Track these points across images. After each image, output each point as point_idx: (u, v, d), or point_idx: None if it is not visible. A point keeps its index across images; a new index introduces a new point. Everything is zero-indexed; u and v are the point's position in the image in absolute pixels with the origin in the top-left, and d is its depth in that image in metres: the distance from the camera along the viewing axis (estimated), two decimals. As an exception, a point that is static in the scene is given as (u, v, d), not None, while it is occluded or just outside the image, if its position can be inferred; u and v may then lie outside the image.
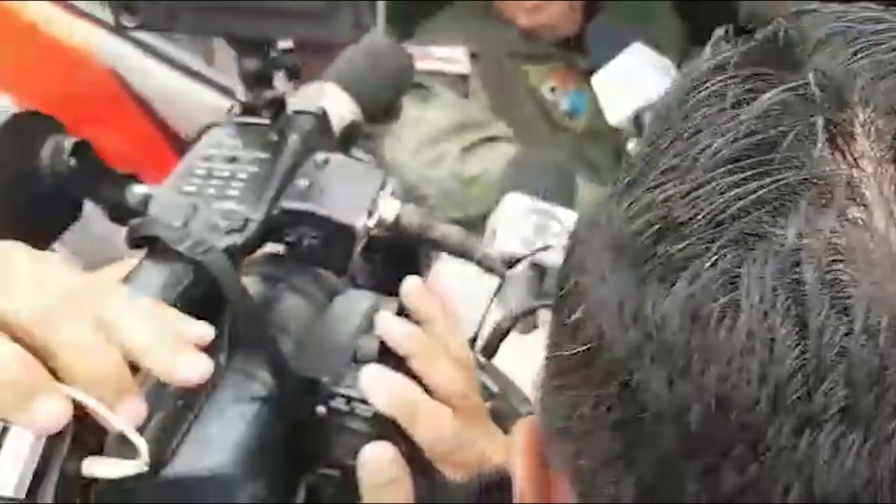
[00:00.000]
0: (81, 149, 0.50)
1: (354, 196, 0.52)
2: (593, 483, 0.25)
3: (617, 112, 1.07)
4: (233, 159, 0.53)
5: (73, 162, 0.49)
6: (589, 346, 0.25)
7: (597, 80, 1.10)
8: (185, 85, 1.44)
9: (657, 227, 0.24)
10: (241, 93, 0.56)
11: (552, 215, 0.88)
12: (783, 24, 0.26)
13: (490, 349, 0.61)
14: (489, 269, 0.55)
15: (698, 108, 0.25)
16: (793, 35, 0.26)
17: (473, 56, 1.23)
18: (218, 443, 0.47)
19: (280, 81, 0.56)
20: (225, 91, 1.41)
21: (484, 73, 1.25)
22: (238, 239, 0.48)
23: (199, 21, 0.50)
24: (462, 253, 0.55)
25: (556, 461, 0.29)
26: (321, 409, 0.50)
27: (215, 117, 1.51)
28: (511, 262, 0.60)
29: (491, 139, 1.14)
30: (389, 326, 0.50)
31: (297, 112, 0.57)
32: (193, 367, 0.38)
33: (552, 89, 1.30)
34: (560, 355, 0.28)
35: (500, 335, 0.60)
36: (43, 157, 0.49)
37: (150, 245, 0.48)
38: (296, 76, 0.55)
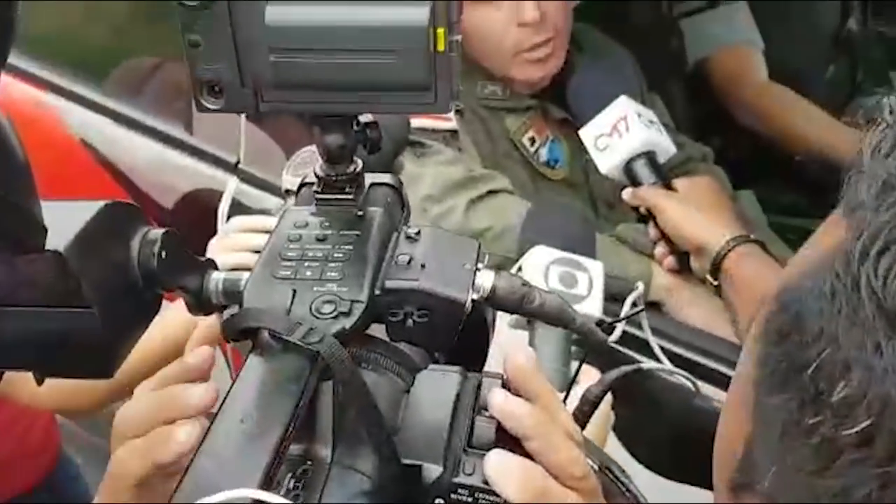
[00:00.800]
0: (170, 240, 0.47)
1: (455, 269, 0.50)
2: None
3: (607, 163, 1.09)
4: (323, 239, 0.50)
5: (163, 254, 0.46)
6: (868, 423, 0.24)
7: (585, 133, 1.12)
8: (166, 154, 1.40)
9: None
10: (318, 167, 0.53)
11: (578, 265, 0.88)
12: None
13: (583, 420, 0.59)
14: (588, 336, 0.54)
15: None
16: None
17: (457, 112, 1.23)
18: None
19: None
20: (207, 158, 1.38)
21: (469, 127, 1.25)
22: (347, 323, 0.46)
23: (286, 100, 0.48)
24: (561, 321, 0.53)
25: None
26: (440, 503, 0.47)
27: (199, 185, 1.47)
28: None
29: (493, 192, 1.14)
30: (508, 407, 0.48)
31: (375, 184, 0.55)
32: None
33: (531, 140, 1.31)
34: (819, 440, 0.26)
35: (592, 405, 0.59)
36: (133, 250, 0.45)
37: (253, 336, 0.45)
38: (377, 149, 0.53)
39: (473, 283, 0.50)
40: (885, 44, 1.89)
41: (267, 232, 0.93)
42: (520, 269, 0.89)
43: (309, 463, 0.46)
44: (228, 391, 0.42)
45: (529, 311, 0.52)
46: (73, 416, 1.57)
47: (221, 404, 0.41)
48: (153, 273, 0.46)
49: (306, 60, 0.45)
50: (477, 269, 0.51)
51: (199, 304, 0.50)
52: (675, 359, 0.98)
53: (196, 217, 1.35)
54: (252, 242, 0.95)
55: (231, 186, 1.31)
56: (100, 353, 0.43)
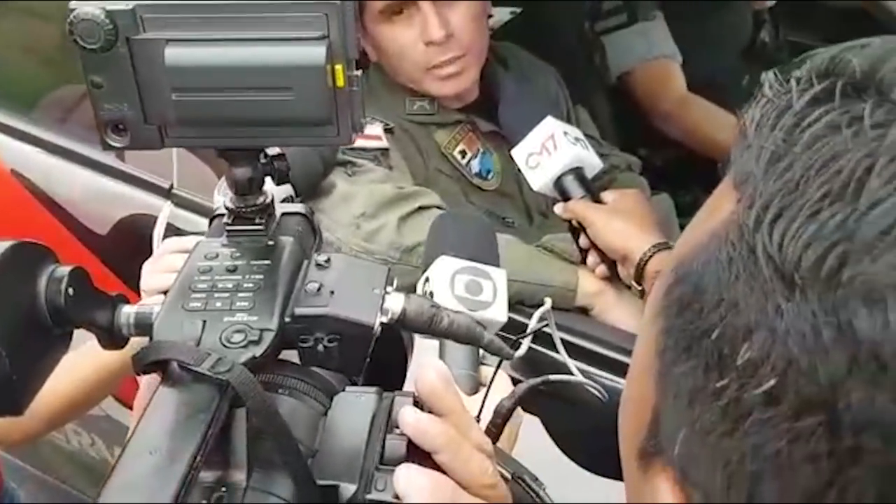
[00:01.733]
0: (77, 277, 0.48)
1: (364, 294, 0.52)
2: None
3: (539, 180, 1.14)
4: (233, 269, 0.52)
5: (70, 291, 0.47)
6: (774, 382, 0.26)
7: (516, 153, 1.17)
8: (99, 181, 1.39)
9: (840, 250, 0.25)
10: (228, 200, 0.55)
11: (483, 273, 0.90)
12: (853, 61, 0.29)
13: (496, 433, 0.61)
14: (496, 353, 0.56)
15: (819, 139, 0.27)
16: (866, 69, 0.29)
17: (387, 130, 1.25)
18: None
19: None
20: (141, 184, 1.37)
21: (399, 144, 1.27)
22: (256, 351, 0.47)
23: (192, 136, 0.49)
24: (469, 339, 0.55)
25: None
26: (354, 519, 0.49)
27: (133, 211, 1.46)
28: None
29: (423, 208, 1.16)
30: (418, 424, 0.50)
31: (286, 214, 0.57)
32: None
33: (462, 153, 1.34)
34: (725, 402, 0.28)
35: (505, 417, 0.61)
36: (40, 288, 0.46)
37: (162, 369, 0.46)
38: (285, 180, 0.55)
39: (382, 307, 0.52)
40: (796, 52, 1.95)
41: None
42: (427, 279, 0.91)
43: (223, 489, 0.47)
44: (136, 425, 0.43)
45: (439, 331, 0.54)
46: (9, 449, 1.55)
47: (129, 439, 0.42)
48: (61, 310, 0.47)
49: (208, 99, 0.47)
50: (386, 293, 0.53)
51: (111, 338, 0.51)
52: (599, 358, 1.03)
53: (132, 243, 1.34)
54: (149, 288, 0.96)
55: (165, 211, 1.31)
56: (9, 392, 0.43)
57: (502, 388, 0.66)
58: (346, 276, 0.52)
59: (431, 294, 0.90)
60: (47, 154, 1.45)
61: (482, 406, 0.62)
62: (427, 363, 0.53)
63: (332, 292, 0.51)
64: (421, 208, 1.15)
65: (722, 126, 1.61)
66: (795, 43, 1.99)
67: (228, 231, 0.54)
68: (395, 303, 0.53)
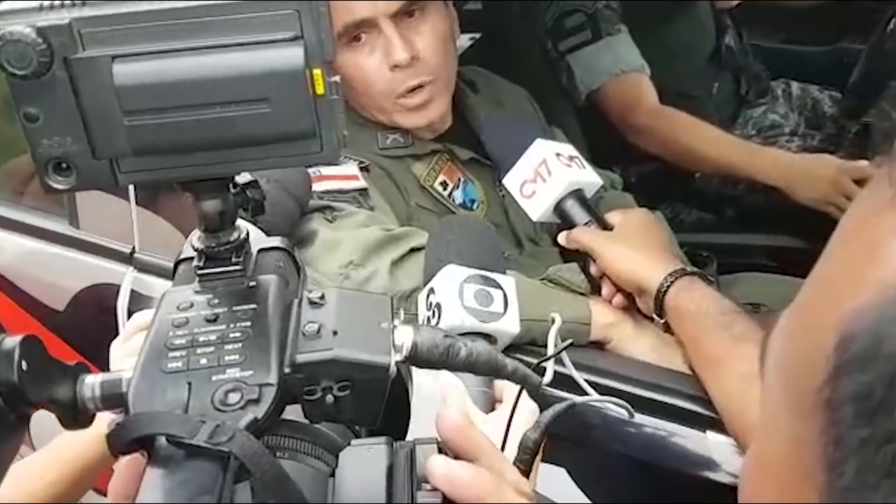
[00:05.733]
0: (30, 347, 0.40)
1: (371, 330, 0.45)
2: None
3: (537, 210, 1.06)
4: (214, 319, 0.44)
5: (23, 364, 0.39)
6: None
7: (508, 182, 1.08)
8: (52, 252, 1.30)
9: None
10: (196, 239, 0.47)
11: (491, 282, 0.84)
12: None
13: (525, 469, 0.54)
14: (522, 383, 0.49)
15: None
16: None
17: (363, 168, 1.18)
18: None
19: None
20: (100, 251, 1.29)
21: (378, 182, 1.20)
22: (258, 412, 0.40)
23: (151, 168, 0.42)
24: (491, 370, 0.48)
25: None
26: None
27: (93, 280, 1.36)
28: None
29: (415, 250, 1.07)
30: (452, 474, 0.42)
31: (263, 249, 0.50)
32: None
33: (443, 184, 1.27)
34: None
35: (533, 451, 0.54)
36: (-13, 366, 0.38)
37: (148, 446, 0.39)
38: (261, 210, 0.47)
39: (394, 343, 0.45)
40: (762, 55, 1.96)
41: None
42: (431, 290, 0.84)
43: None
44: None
45: (456, 364, 0.47)
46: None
47: None
48: (15, 388, 0.39)
49: (167, 120, 0.40)
50: (394, 327, 0.46)
51: (74, 415, 0.43)
52: (621, 396, 0.94)
53: (93, 315, 1.25)
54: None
55: (128, 278, 1.22)
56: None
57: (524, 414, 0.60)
58: (346, 312, 0.45)
59: (438, 306, 0.83)
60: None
61: (505, 436, 0.55)
62: (445, 405, 0.46)
63: (335, 332, 0.43)
64: (413, 250, 1.06)
65: (698, 135, 1.57)
66: (760, 46, 1.99)
67: (200, 275, 0.47)
68: (405, 336, 0.46)
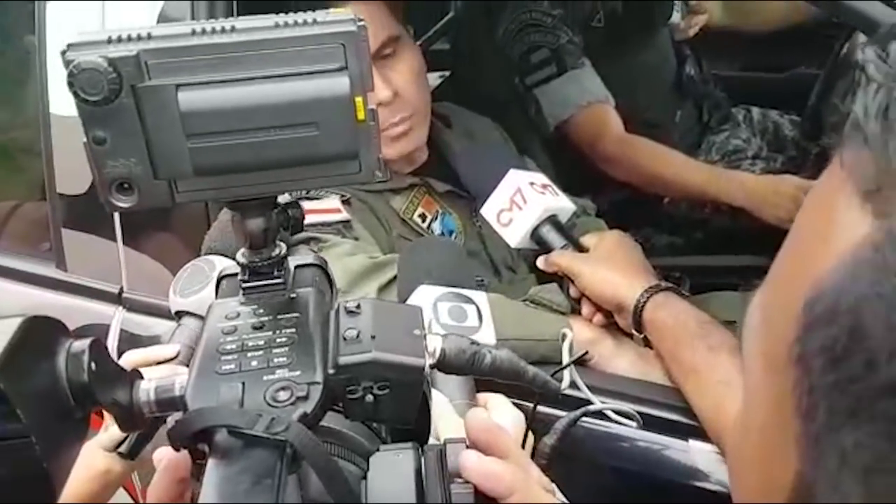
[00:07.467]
0: (97, 350, 0.43)
1: (405, 335, 0.49)
2: None
3: (515, 237, 1.11)
4: (260, 326, 0.48)
5: (93, 366, 0.42)
6: None
7: (486, 212, 1.14)
8: (40, 296, 1.30)
9: None
10: (241, 255, 0.51)
11: (464, 298, 0.87)
12: None
13: (543, 469, 0.58)
14: (542, 389, 0.53)
15: None
16: None
17: (345, 201, 1.22)
18: None
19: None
20: (88, 292, 1.28)
21: (360, 215, 1.23)
22: (307, 407, 0.43)
23: (206, 188, 0.46)
24: (514, 375, 0.52)
25: None
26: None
27: (82, 322, 1.34)
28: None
29: None
30: (484, 468, 0.46)
31: (300, 266, 0.54)
32: None
33: (422, 216, 1.31)
34: None
35: (549, 458, 0.58)
36: (59, 365, 0.41)
37: (208, 439, 0.42)
38: (300, 228, 0.51)
39: (427, 348, 0.49)
40: (722, 82, 2.04)
41: (162, 362, 0.87)
42: None
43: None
44: (193, 504, 0.38)
45: (482, 370, 0.51)
46: None
47: None
48: (85, 387, 0.42)
49: (226, 143, 0.44)
50: (424, 335, 0.50)
51: (130, 418, 0.46)
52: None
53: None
54: (149, 377, 0.88)
55: (117, 318, 1.23)
56: (44, 484, 0.38)
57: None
58: (381, 320, 0.49)
59: None
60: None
61: (525, 439, 0.59)
62: (473, 410, 0.50)
63: (373, 337, 0.47)
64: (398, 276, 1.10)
65: (665, 161, 1.63)
66: (719, 75, 2.07)
67: (245, 288, 0.51)
68: (435, 343, 0.50)
